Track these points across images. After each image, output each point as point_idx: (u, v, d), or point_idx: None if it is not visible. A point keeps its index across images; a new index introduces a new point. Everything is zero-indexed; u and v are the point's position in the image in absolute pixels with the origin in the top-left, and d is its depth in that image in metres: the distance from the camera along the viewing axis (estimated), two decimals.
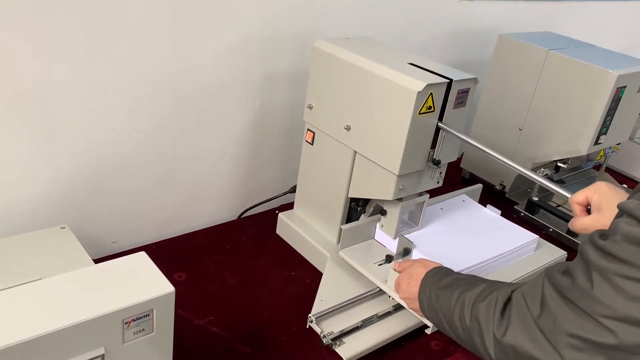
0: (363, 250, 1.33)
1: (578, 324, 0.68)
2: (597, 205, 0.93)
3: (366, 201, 1.39)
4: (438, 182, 1.31)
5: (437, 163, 1.23)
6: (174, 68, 1.33)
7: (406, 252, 1.27)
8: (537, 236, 1.46)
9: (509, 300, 0.80)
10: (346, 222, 1.39)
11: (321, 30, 1.55)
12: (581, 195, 0.96)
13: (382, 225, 1.34)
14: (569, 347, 0.69)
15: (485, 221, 1.49)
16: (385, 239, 1.36)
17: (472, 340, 0.85)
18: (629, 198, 0.69)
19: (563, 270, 0.73)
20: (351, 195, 1.35)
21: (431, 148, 1.22)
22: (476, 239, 1.40)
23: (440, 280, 1.01)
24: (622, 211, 0.67)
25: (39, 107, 1.16)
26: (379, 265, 1.28)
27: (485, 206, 1.56)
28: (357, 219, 1.41)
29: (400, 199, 1.27)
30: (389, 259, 1.29)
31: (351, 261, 1.28)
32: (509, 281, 1.19)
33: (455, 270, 1.12)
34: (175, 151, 1.43)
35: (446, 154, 1.26)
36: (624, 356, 0.66)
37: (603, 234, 0.68)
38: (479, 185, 1.65)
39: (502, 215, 1.54)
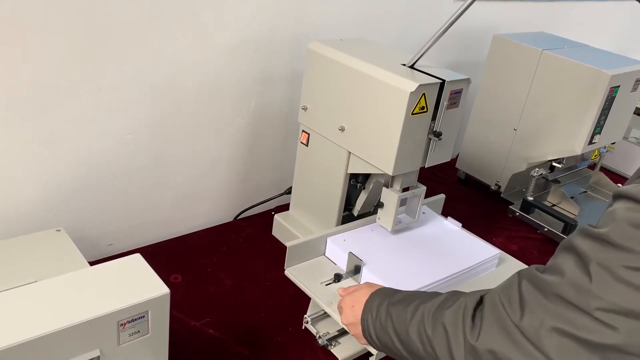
0: (312, 268, 1.23)
1: (570, 323, 0.62)
2: None
3: (366, 177, 1.39)
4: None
5: (438, 135, 1.21)
6: (170, 69, 1.33)
7: (356, 269, 1.20)
8: (500, 251, 1.35)
9: (479, 304, 0.74)
10: (346, 202, 1.38)
11: (317, 31, 1.56)
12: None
13: (379, 218, 1.33)
14: (558, 350, 0.63)
15: (445, 235, 1.38)
16: (336, 255, 1.26)
17: (433, 351, 0.77)
18: (626, 184, 0.65)
19: (542, 270, 0.69)
20: (350, 171, 1.33)
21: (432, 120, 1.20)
22: (434, 255, 1.29)
23: (392, 297, 0.91)
24: (621, 196, 0.62)
25: (34, 109, 1.17)
26: (327, 284, 1.19)
27: (446, 217, 1.46)
28: (357, 197, 1.40)
29: (399, 190, 1.27)
30: (337, 277, 1.20)
31: (296, 281, 1.18)
32: None
33: (416, 287, 1.10)
34: (171, 153, 1.44)
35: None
36: (620, 357, 0.61)
37: (597, 225, 0.63)
38: (442, 196, 1.55)
39: (497, 215, 1.52)
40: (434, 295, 0.85)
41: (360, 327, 0.95)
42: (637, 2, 0.82)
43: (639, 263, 0.58)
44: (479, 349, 0.70)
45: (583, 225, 0.66)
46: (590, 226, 0.64)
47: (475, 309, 0.74)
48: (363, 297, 0.97)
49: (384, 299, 0.92)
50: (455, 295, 0.81)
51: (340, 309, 1.04)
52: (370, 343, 0.94)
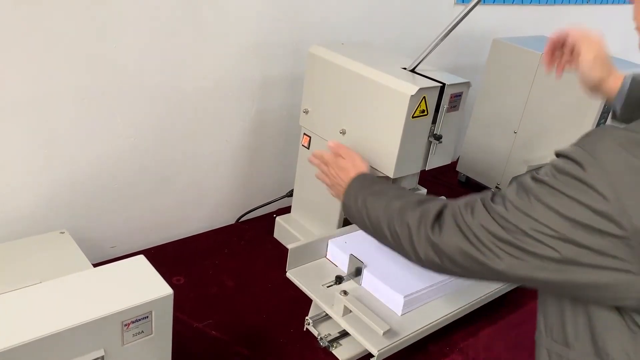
0: (313, 270, 1.25)
1: (515, 238, 0.74)
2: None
3: None
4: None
5: (438, 138, 1.24)
6: (172, 74, 1.35)
7: (357, 271, 1.22)
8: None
9: (442, 210, 0.86)
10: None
11: (317, 35, 1.57)
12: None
13: None
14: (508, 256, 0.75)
15: None
16: (337, 257, 1.28)
17: (400, 244, 0.91)
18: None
19: (493, 195, 0.80)
20: None
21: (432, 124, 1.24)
22: None
23: (370, 188, 1.04)
24: (559, 155, 0.74)
25: (38, 112, 1.18)
26: (328, 287, 1.20)
27: None
28: None
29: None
30: (338, 279, 1.21)
31: (298, 283, 1.20)
32: (464, 305, 1.22)
33: (411, 291, 1.14)
34: (173, 156, 1.45)
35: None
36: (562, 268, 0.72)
37: (539, 173, 0.76)
38: (442, 198, 1.55)
39: None
40: (406, 194, 0.98)
41: (340, 196, 1.11)
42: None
43: (562, 198, 0.71)
44: (438, 244, 0.83)
45: (531, 172, 0.78)
46: (536, 172, 0.77)
47: (437, 215, 0.86)
48: (346, 172, 1.12)
49: (362, 189, 1.05)
50: (423, 198, 0.94)
51: (326, 166, 1.18)
52: (349, 217, 1.07)
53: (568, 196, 0.70)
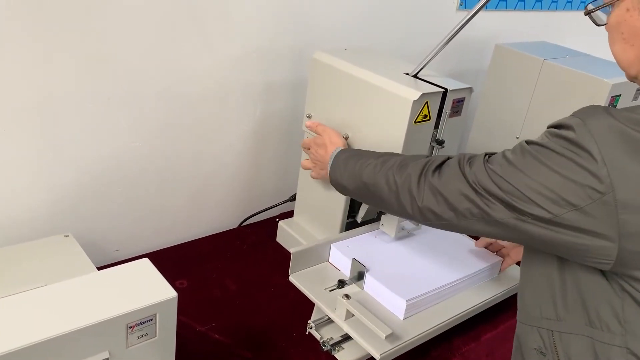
0: (316, 274, 1.25)
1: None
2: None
3: None
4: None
5: (441, 143, 1.25)
6: (176, 78, 1.35)
7: (360, 275, 1.21)
8: (501, 259, 1.35)
9: (445, 160, 0.94)
10: (349, 208, 1.39)
11: (320, 40, 1.58)
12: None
13: (382, 224, 1.35)
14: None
15: (448, 241, 1.38)
16: (340, 261, 1.27)
17: (397, 195, 0.98)
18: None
19: (491, 155, 0.89)
20: None
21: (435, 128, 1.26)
22: (437, 261, 1.29)
23: (359, 153, 1.13)
24: (552, 125, 0.83)
25: (43, 116, 1.19)
26: (331, 290, 1.20)
27: None
28: (361, 204, 1.40)
29: None
30: (341, 284, 1.21)
31: (300, 287, 1.20)
32: (466, 309, 1.23)
33: (413, 296, 1.15)
34: (176, 160, 1.46)
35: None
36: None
37: (535, 140, 0.84)
38: None
39: None
40: (400, 154, 1.08)
41: (324, 172, 1.22)
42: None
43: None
44: (438, 186, 0.91)
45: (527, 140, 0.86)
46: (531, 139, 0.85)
47: (440, 163, 0.94)
48: (327, 150, 1.22)
49: (352, 157, 1.13)
50: (424, 155, 1.02)
51: (307, 144, 1.32)
52: (335, 184, 1.18)
53: (560, 154, 0.77)
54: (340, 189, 1.17)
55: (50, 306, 0.77)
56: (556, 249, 0.81)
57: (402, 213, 1.00)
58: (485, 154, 0.89)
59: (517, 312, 0.93)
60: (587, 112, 0.77)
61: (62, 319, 0.75)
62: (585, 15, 0.88)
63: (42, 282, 0.97)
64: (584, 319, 0.82)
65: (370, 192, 1.06)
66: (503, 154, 0.85)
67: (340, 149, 1.20)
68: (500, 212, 0.82)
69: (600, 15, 0.87)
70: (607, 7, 0.84)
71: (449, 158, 0.95)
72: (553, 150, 0.78)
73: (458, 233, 1.30)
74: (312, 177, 1.33)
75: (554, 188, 0.76)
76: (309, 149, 1.32)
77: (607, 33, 0.86)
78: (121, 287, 0.82)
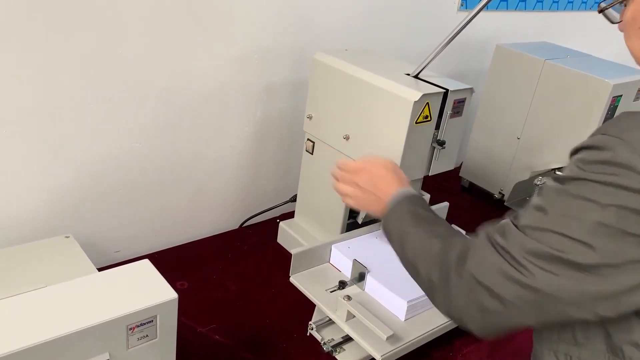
0: (316, 275, 1.25)
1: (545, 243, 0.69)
2: None
3: None
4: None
5: (441, 143, 1.23)
6: (177, 79, 1.35)
7: (361, 276, 1.21)
8: None
9: (470, 242, 0.81)
10: (350, 209, 1.38)
11: (321, 41, 1.58)
12: None
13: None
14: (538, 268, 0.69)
15: None
16: (341, 262, 1.27)
17: (432, 290, 0.84)
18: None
19: (517, 214, 0.76)
20: None
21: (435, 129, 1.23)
22: None
23: (414, 210, 0.95)
24: (578, 149, 0.71)
25: (44, 117, 1.19)
26: (331, 291, 1.20)
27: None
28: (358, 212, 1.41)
29: None
30: (342, 284, 1.21)
31: (301, 287, 1.20)
32: None
33: (414, 297, 1.13)
34: (177, 161, 1.45)
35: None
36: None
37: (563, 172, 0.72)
38: (446, 204, 1.56)
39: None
40: (452, 234, 0.89)
41: (378, 207, 1.00)
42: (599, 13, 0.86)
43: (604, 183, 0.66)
44: (475, 274, 0.75)
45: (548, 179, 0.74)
46: (556, 176, 0.72)
47: (466, 248, 0.79)
48: (390, 186, 1.01)
49: (407, 214, 0.95)
50: (457, 236, 0.87)
51: (351, 185, 1.07)
52: (389, 237, 0.97)
53: (602, 183, 0.65)
54: (387, 235, 0.99)
55: (50, 307, 0.77)
56: (619, 305, 0.68)
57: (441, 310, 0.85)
58: (509, 217, 0.77)
59: (533, 331, 0.86)
60: (619, 125, 0.67)
61: (62, 321, 0.75)
62: (599, 12, 0.83)
63: (43, 283, 0.97)
64: (604, 346, 0.75)
65: (410, 267, 0.91)
66: (531, 205, 0.73)
67: (405, 194, 0.99)
68: (540, 278, 0.69)
69: (613, 12, 0.83)
70: (621, 3, 0.81)
71: (471, 238, 0.81)
72: (594, 181, 0.66)
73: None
74: (348, 205, 1.12)
75: (612, 223, 0.65)
76: (356, 173, 1.08)
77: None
78: (121, 289, 0.82)
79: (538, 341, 0.85)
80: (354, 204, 1.08)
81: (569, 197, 0.68)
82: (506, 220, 0.76)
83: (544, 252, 0.68)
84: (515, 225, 0.73)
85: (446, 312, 0.82)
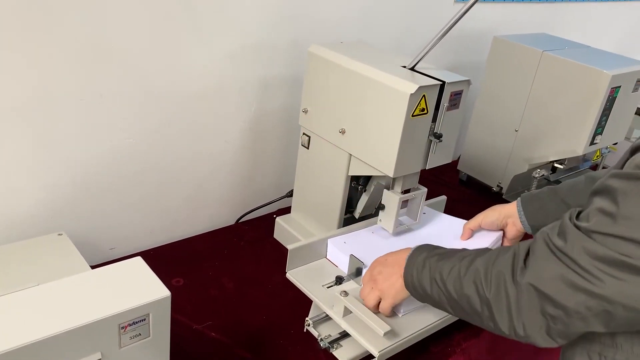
0: (313, 270, 1.24)
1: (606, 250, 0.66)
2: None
3: (367, 180, 1.39)
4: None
5: (438, 136, 1.22)
6: (171, 74, 1.34)
7: (358, 272, 1.20)
8: (501, 232, 1.33)
9: (530, 247, 0.77)
10: (347, 204, 1.38)
11: (316, 35, 1.56)
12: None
13: (380, 220, 1.33)
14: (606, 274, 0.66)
15: (446, 231, 1.37)
16: (337, 257, 1.26)
17: (488, 301, 0.80)
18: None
19: (578, 215, 0.72)
20: (351, 173, 1.33)
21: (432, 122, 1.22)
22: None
23: (434, 250, 0.97)
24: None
25: (36, 114, 1.17)
26: (328, 287, 1.19)
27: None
28: (358, 199, 1.40)
29: (400, 192, 1.27)
30: (338, 280, 1.20)
31: (298, 284, 1.19)
32: None
33: None
34: (172, 157, 1.44)
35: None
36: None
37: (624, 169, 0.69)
38: (443, 197, 1.57)
39: None
40: (483, 251, 0.88)
41: (403, 290, 1.02)
42: None
43: None
44: (535, 283, 0.73)
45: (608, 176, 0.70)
46: (617, 173, 0.69)
47: (526, 254, 0.77)
48: (394, 260, 1.05)
49: (427, 254, 0.97)
50: (505, 248, 0.84)
51: (369, 285, 1.10)
52: (413, 293, 1.00)
53: None
54: (419, 294, 1.00)
55: (42, 306, 0.76)
56: None
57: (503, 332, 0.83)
58: (569, 217, 0.73)
59: None
60: None
61: (53, 320, 0.73)
62: None
63: (35, 282, 0.96)
64: None
65: (458, 305, 0.89)
66: (594, 208, 0.69)
67: (416, 247, 1.03)
68: (609, 285, 0.66)
69: None
70: None
71: (531, 243, 0.78)
72: None
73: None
74: (381, 311, 1.10)
75: None
76: (371, 287, 1.09)
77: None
78: (113, 287, 0.81)
79: (569, 343, 0.81)
80: (381, 293, 1.08)
81: (636, 198, 0.65)
82: (566, 221, 0.72)
83: (613, 259, 0.65)
84: (577, 227, 0.69)
85: (509, 328, 0.79)
